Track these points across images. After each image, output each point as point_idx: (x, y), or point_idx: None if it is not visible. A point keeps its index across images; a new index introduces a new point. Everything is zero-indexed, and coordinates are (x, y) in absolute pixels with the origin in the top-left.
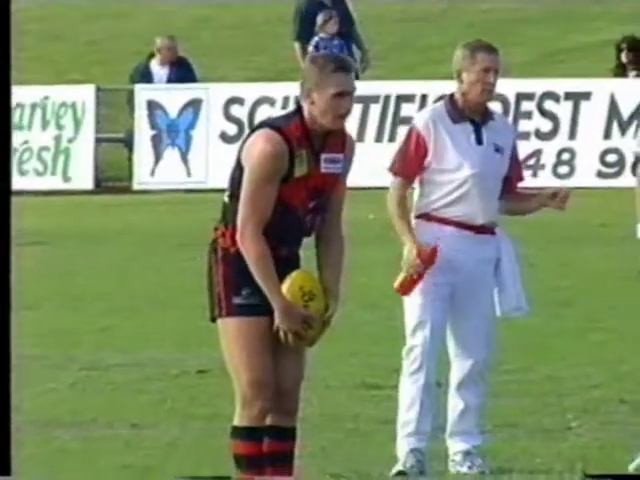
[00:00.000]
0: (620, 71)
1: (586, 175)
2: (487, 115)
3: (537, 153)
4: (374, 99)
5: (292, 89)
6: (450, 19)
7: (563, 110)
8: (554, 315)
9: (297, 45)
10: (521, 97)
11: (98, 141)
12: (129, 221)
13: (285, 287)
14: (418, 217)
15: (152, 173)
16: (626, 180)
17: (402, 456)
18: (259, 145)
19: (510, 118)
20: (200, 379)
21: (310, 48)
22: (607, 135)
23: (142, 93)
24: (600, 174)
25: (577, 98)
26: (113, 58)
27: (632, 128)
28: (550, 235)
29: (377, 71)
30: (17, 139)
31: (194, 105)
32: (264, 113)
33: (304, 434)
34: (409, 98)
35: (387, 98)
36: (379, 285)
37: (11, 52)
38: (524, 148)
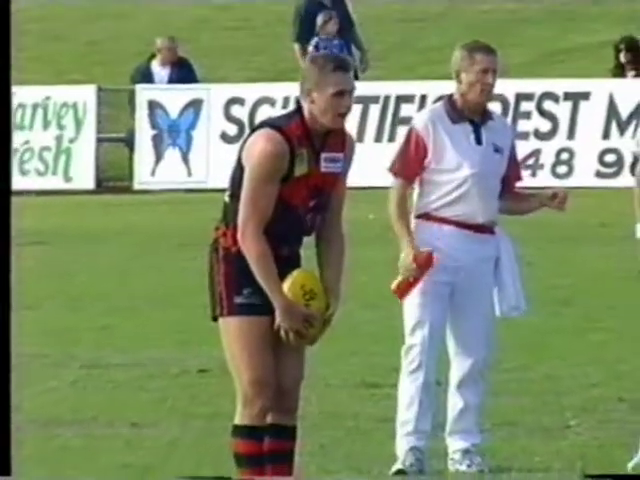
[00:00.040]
0: (619, 71)
1: (585, 175)
2: (486, 115)
3: (536, 153)
4: (374, 99)
5: (292, 89)
6: (450, 20)
7: (562, 110)
8: (553, 314)
9: (297, 46)
10: (520, 97)
11: (99, 141)
12: (130, 221)
13: (286, 286)
14: (418, 217)
15: (153, 173)
16: (625, 180)
17: (401, 454)
18: (260, 145)
19: (509, 118)
20: (201, 378)
21: (310, 49)
22: (606, 135)
23: (143, 93)
24: (599, 174)
25: (576, 98)
26: (114, 59)
27: (631, 128)
28: (549, 235)
29: (377, 71)
30: (18, 139)
31: (195, 105)
32: (264, 113)
33: (304, 432)
34: (409, 98)
35: (387, 98)
36: (379, 285)
37: (11, 52)
38: (523, 148)
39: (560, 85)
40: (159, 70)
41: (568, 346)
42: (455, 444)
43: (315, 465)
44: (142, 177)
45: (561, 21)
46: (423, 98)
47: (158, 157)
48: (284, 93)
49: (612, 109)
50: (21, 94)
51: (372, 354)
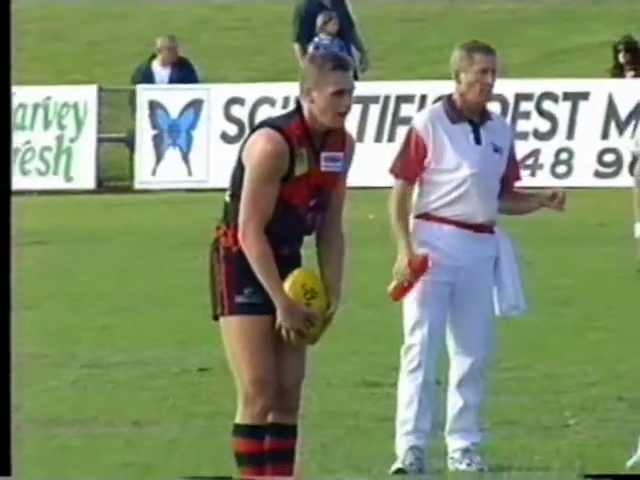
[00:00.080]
0: (618, 71)
1: (584, 175)
2: (485, 115)
3: (535, 153)
4: (374, 99)
5: (292, 89)
6: (449, 20)
7: (561, 110)
8: (552, 314)
9: (297, 46)
10: (520, 97)
11: (100, 141)
12: (130, 220)
13: (287, 285)
14: (418, 217)
15: (153, 173)
16: (624, 180)
17: (401, 454)
18: (260, 144)
19: (509, 118)
20: (201, 377)
21: (310, 49)
22: (605, 135)
23: (144, 93)
24: (598, 174)
25: (575, 98)
26: (114, 59)
27: (630, 128)
28: (548, 234)
29: (377, 71)
30: (19, 139)
31: (195, 105)
32: (264, 113)
33: (304, 431)
34: (408, 98)
35: (387, 98)
36: (379, 284)
37: (11, 52)
38: (522, 148)
39: (559, 85)
40: (159, 70)
41: (567, 345)
42: (455, 443)
43: (316, 464)
44: (143, 177)
45: (561, 21)
46: (423, 98)
47: (159, 157)
48: (284, 93)
49: (611, 109)
50: (22, 94)
51: (372, 353)
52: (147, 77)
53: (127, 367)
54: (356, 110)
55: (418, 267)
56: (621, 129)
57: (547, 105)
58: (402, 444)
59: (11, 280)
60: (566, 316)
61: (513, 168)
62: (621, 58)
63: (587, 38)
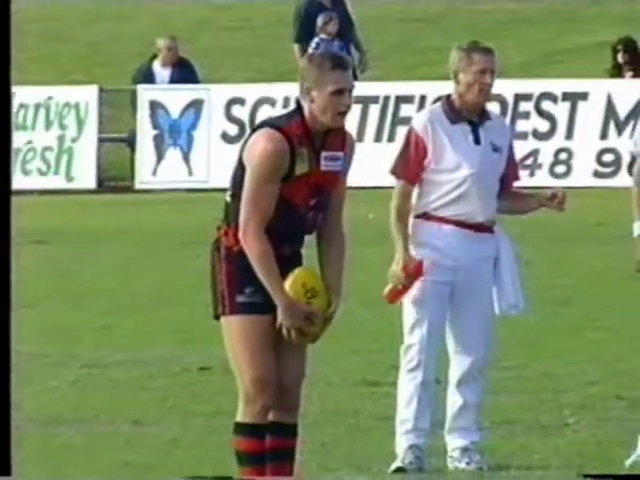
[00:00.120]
0: (616, 72)
1: (583, 175)
2: (484, 115)
3: (534, 153)
4: (373, 99)
5: (292, 90)
6: (449, 20)
7: (560, 110)
8: (551, 313)
9: (297, 47)
10: (519, 97)
11: (101, 141)
12: (131, 220)
13: (288, 284)
14: (417, 217)
15: (154, 173)
16: (622, 180)
17: (401, 452)
18: (260, 144)
19: (508, 118)
20: (202, 376)
21: (310, 49)
22: (604, 135)
23: (144, 94)
24: (597, 174)
25: (574, 98)
26: (115, 59)
27: (628, 128)
28: (547, 234)
29: (376, 72)
30: (21, 139)
31: (196, 105)
32: (265, 113)
33: (305, 430)
34: (408, 99)
35: (386, 99)
36: (379, 283)
37: (11, 52)
38: (522, 148)
39: (558, 85)
40: (160, 70)
41: (566, 344)
42: (454, 442)
43: (316, 463)
44: (143, 177)
45: (560, 21)
46: (423, 98)
47: (159, 157)
48: (284, 93)
49: (610, 109)
50: (24, 94)
51: (372, 352)
52: (148, 77)
53: (127, 366)
54: (356, 110)
55: (413, 272)
56: (620, 129)
57: (546, 105)
58: (402, 443)
59: (11, 279)
60: (565, 315)
61: (512, 168)
62: (620, 58)
63: (586, 38)
